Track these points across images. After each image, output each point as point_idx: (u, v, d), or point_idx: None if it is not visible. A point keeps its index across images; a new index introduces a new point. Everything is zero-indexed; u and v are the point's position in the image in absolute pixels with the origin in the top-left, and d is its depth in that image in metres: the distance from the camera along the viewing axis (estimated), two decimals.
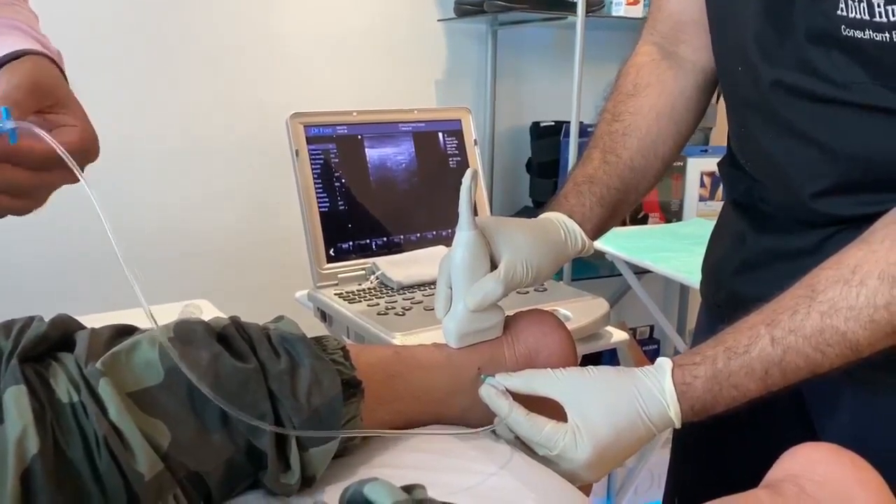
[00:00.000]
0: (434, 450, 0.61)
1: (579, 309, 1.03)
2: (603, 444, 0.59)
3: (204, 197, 1.81)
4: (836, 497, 0.46)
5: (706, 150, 2.11)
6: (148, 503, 0.48)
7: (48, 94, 0.59)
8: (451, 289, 0.67)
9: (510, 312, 0.71)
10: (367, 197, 1.20)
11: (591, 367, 0.63)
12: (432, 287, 1.09)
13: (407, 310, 1.03)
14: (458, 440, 0.63)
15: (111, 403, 0.49)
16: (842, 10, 0.57)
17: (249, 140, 1.81)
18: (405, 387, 0.64)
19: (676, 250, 1.67)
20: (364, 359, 0.62)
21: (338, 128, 1.19)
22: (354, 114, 1.21)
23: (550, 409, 0.61)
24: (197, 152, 1.79)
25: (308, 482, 0.56)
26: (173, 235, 1.75)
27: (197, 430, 0.52)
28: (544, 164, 2.04)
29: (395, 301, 1.06)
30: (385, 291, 1.11)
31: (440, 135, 1.29)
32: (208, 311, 1.09)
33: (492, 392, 0.63)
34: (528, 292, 1.10)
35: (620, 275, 1.82)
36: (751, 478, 0.50)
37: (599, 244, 1.05)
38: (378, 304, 1.05)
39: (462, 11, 1.91)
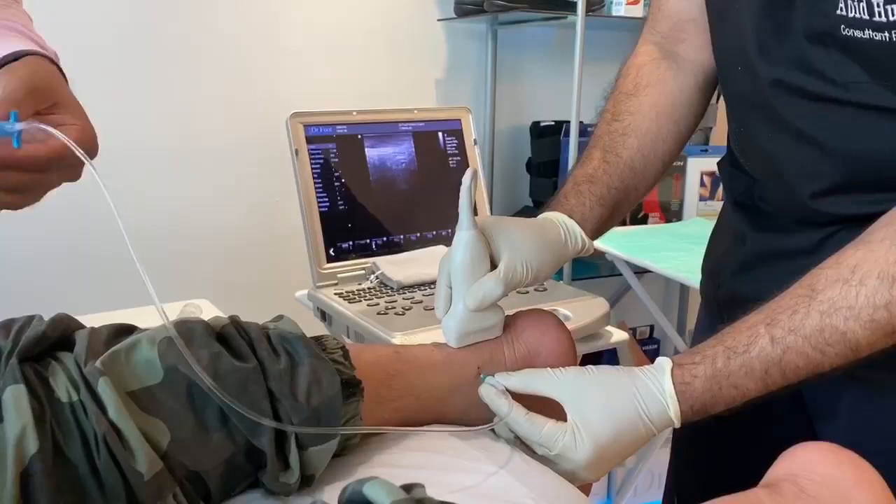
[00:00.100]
0: (433, 449, 0.61)
1: (579, 309, 1.03)
2: (602, 444, 0.59)
3: (204, 196, 1.81)
4: (836, 496, 0.46)
5: (706, 150, 2.10)
6: (148, 502, 0.48)
7: (47, 95, 0.59)
8: (450, 288, 0.67)
9: (510, 312, 0.71)
10: (367, 196, 1.20)
11: (591, 366, 0.63)
12: (432, 287, 1.10)
13: (407, 309, 1.03)
14: (458, 439, 0.63)
15: (110, 403, 0.49)
16: (841, 10, 0.57)
17: (249, 139, 1.81)
18: (405, 386, 0.64)
19: (676, 250, 1.67)
20: (364, 358, 0.62)
21: (338, 127, 1.19)
22: (354, 113, 1.21)
23: (550, 408, 0.61)
24: (197, 152, 1.79)
25: (307, 481, 0.56)
26: (173, 235, 1.75)
27: (196, 430, 0.52)
28: (544, 163, 2.03)
29: (395, 301, 1.06)
30: (385, 291, 1.11)
31: (440, 134, 1.29)
32: (208, 311, 1.09)
33: (491, 392, 0.63)
34: (527, 292, 1.10)
35: (620, 274, 1.82)
36: (750, 477, 0.50)
37: (599, 244, 1.04)
38: (378, 304, 1.05)
39: (462, 11, 1.91)
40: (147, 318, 0.57)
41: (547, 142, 2.02)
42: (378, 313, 1.02)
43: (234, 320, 0.59)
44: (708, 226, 0.89)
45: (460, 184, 0.63)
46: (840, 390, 0.68)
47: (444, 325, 0.68)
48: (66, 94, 0.61)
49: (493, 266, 0.66)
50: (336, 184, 1.18)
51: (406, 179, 1.25)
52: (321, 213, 1.16)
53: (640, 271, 1.77)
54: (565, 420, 0.60)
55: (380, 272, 1.13)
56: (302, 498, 0.55)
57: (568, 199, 0.76)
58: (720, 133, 2.17)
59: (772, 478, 0.49)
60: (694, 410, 0.60)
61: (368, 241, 1.20)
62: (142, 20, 1.69)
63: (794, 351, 0.57)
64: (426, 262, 1.14)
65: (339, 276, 1.15)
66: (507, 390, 0.63)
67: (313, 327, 0.76)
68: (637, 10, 1.87)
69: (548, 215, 0.74)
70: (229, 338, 0.56)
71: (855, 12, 0.56)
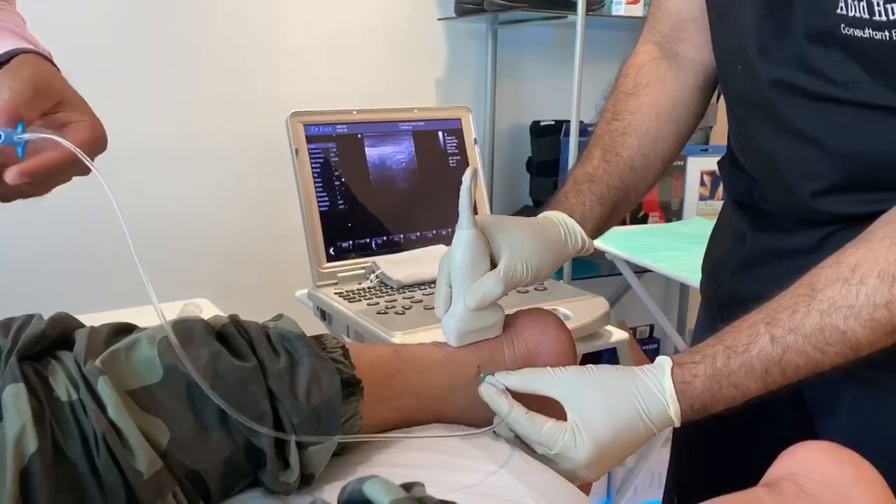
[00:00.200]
0: (433, 448, 0.61)
1: (579, 308, 1.03)
2: (602, 443, 0.59)
3: (204, 196, 1.81)
4: (835, 496, 0.45)
5: (706, 150, 2.10)
6: (147, 502, 0.48)
7: (50, 95, 0.59)
8: (450, 287, 0.67)
9: (510, 311, 0.71)
10: (367, 196, 1.20)
11: (591, 365, 0.63)
12: (432, 286, 1.09)
13: (407, 309, 1.03)
14: (458, 438, 0.63)
15: (110, 402, 0.49)
16: (841, 9, 0.57)
17: (249, 139, 1.81)
18: (405, 385, 0.64)
19: (676, 249, 1.67)
20: (363, 357, 0.62)
21: (338, 127, 1.19)
22: (354, 113, 1.21)
23: (550, 408, 0.61)
24: (197, 151, 1.79)
25: (307, 480, 0.56)
26: (173, 234, 1.75)
27: (196, 429, 0.52)
28: (544, 163, 2.03)
29: (395, 300, 1.06)
30: (385, 290, 1.11)
31: (440, 134, 1.29)
32: (208, 310, 1.09)
33: (491, 391, 0.63)
34: (527, 291, 1.10)
35: (620, 274, 1.82)
36: (750, 477, 0.50)
37: (599, 243, 1.04)
38: (378, 304, 1.05)
39: (462, 10, 1.91)
40: (146, 317, 0.57)
41: (547, 141, 2.02)
42: (378, 313, 1.02)
43: (233, 319, 0.59)
44: (708, 225, 0.89)
45: (460, 183, 0.63)
46: (840, 389, 0.68)
47: (443, 325, 0.68)
48: (68, 90, 0.61)
49: (493, 265, 0.66)
50: (336, 183, 1.18)
51: (406, 179, 1.25)
52: (321, 213, 1.16)
53: (640, 271, 1.77)
54: (565, 419, 0.60)
55: (380, 271, 1.13)
56: (302, 497, 0.55)
57: (568, 198, 0.76)
58: (720, 132, 2.17)
59: (772, 477, 0.49)
60: (694, 410, 0.60)
61: (368, 240, 1.20)
62: (141, 20, 1.69)
63: (795, 350, 0.57)
64: (426, 261, 1.14)
65: (339, 275, 1.15)
66: (507, 389, 0.63)
67: (313, 327, 0.76)
68: (637, 10, 1.87)
69: (548, 214, 0.74)
70: (229, 337, 0.56)
71: (855, 11, 0.56)
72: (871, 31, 0.56)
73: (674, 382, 0.59)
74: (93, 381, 0.49)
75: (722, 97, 0.78)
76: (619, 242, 1.70)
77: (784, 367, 0.58)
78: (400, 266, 1.14)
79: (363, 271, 1.16)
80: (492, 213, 1.40)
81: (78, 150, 0.57)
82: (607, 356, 1.95)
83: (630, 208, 0.86)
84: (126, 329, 0.56)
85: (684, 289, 2.40)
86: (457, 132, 1.30)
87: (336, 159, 1.18)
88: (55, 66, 0.64)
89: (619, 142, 0.79)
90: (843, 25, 0.58)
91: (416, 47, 2.01)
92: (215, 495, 0.54)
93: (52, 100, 0.59)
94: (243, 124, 1.81)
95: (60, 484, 0.46)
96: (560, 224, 0.72)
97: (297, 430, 0.54)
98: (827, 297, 0.56)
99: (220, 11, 1.76)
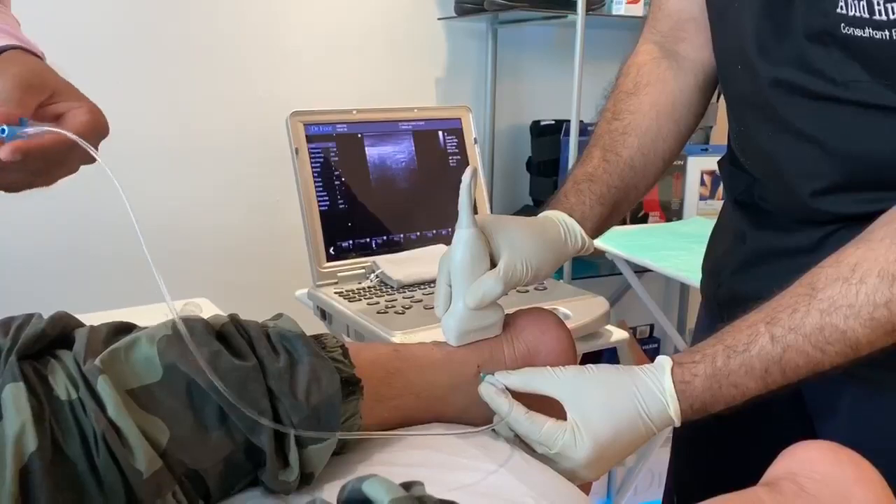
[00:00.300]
0: (433, 447, 0.61)
1: (579, 307, 1.03)
2: (602, 443, 0.59)
3: (204, 195, 1.81)
4: (835, 495, 0.45)
5: (706, 149, 2.10)
6: (147, 501, 0.48)
7: (43, 87, 0.59)
8: (450, 287, 0.67)
9: (510, 311, 0.71)
10: (367, 195, 1.20)
11: (591, 365, 0.63)
12: (432, 286, 1.09)
13: (407, 308, 1.03)
14: (458, 438, 0.63)
15: (110, 401, 0.49)
16: (841, 9, 0.57)
17: (249, 138, 1.81)
18: (405, 384, 0.64)
19: (676, 249, 1.67)
20: (363, 357, 0.62)
21: (338, 126, 1.19)
22: (354, 112, 1.21)
23: (550, 407, 0.61)
24: (197, 151, 1.79)
25: (307, 479, 0.56)
26: (173, 233, 1.75)
27: (196, 428, 0.52)
28: (544, 162, 2.03)
29: (395, 300, 1.06)
30: (385, 290, 1.11)
31: (440, 133, 1.29)
32: (208, 310, 1.09)
33: (491, 390, 0.63)
34: (528, 291, 1.10)
35: (620, 274, 1.82)
36: (750, 476, 0.50)
37: (599, 243, 1.04)
38: (378, 303, 1.05)
39: (462, 10, 1.91)
40: (146, 316, 0.57)
41: (547, 141, 2.02)
42: (378, 312, 1.02)
43: (233, 319, 0.59)
44: (708, 225, 0.89)
45: (460, 182, 0.63)
46: (840, 389, 0.68)
47: (443, 324, 0.68)
48: (60, 81, 0.62)
49: (493, 265, 0.66)
50: (336, 183, 1.18)
51: (406, 178, 1.25)
52: (321, 212, 1.16)
53: (641, 270, 1.77)
54: (565, 419, 0.60)
55: (380, 271, 1.13)
56: (301, 496, 0.55)
57: (568, 197, 0.76)
58: (720, 132, 2.17)
59: (771, 476, 0.49)
60: (694, 409, 0.60)
61: (368, 239, 1.20)
62: (141, 20, 1.69)
63: (795, 349, 0.57)
64: (426, 260, 1.14)
65: (339, 274, 1.15)
66: (507, 389, 0.63)
67: (313, 326, 0.76)
68: (637, 9, 1.87)
69: (548, 214, 0.74)
70: (229, 336, 0.56)
71: (855, 11, 0.56)
72: (870, 31, 0.56)
73: (674, 382, 0.59)
74: (92, 381, 0.49)
75: (722, 97, 0.78)
76: (619, 242, 1.70)
77: (784, 367, 0.58)
78: (400, 266, 1.14)
79: (363, 271, 1.16)
80: (492, 212, 1.40)
81: (81, 139, 0.57)
82: (607, 356, 1.95)
83: (630, 208, 0.86)
84: (125, 328, 0.56)
85: (684, 288, 2.40)
86: (457, 132, 1.30)
87: (336, 159, 1.18)
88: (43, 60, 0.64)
89: (619, 141, 0.79)
90: (842, 25, 0.58)
91: (416, 47, 2.00)
92: (215, 494, 0.54)
93: (45, 92, 0.59)
94: (243, 124, 1.81)
95: (60, 483, 0.46)
96: (560, 223, 0.72)
97: (297, 430, 0.54)
98: (827, 296, 0.56)
99: (220, 11, 1.76)
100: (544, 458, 0.61)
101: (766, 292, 0.61)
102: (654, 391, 0.59)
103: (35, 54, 0.63)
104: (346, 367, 0.58)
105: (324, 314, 1.12)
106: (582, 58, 1.72)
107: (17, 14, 0.74)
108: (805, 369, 0.58)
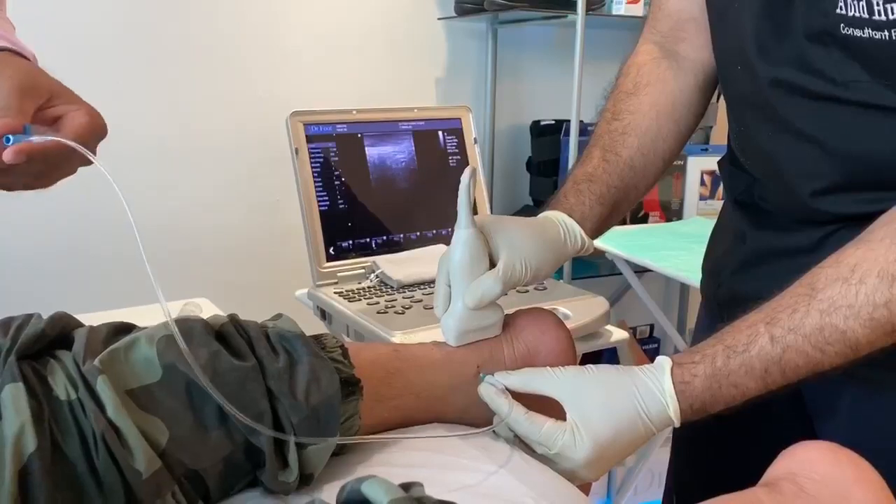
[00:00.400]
0: (432, 448, 0.61)
1: (579, 308, 1.03)
2: (602, 443, 0.59)
3: (204, 195, 1.81)
4: (835, 496, 0.45)
5: (706, 149, 2.10)
6: (146, 501, 0.48)
7: (39, 91, 0.59)
8: (450, 287, 0.67)
9: (509, 311, 0.71)
10: (367, 195, 1.20)
11: (591, 365, 0.63)
12: (432, 286, 1.09)
13: (406, 308, 1.03)
14: (458, 438, 0.63)
15: (109, 401, 0.49)
16: (841, 9, 0.57)
17: (249, 138, 1.81)
18: (404, 384, 0.64)
19: (676, 249, 1.67)
20: (363, 357, 0.62)
21: (338, 126, 1.19)
22: (354, 112, 1.21)
23: (550, 407, 0.61)
24: (197, 151, 1.79)
25: (306, 480, 0.56)
26: (173, 234, 1.75)
27: (195, 428, 0.52)
28: (544, 162, 2.03)
29: (395, 300, 1.06)
30: (385, 290, 1.11)
31: (440, 133, 1.29)
32: (208, 310, 1.09)
33: (491, 391, 0.63)
34: (527, 291, 1.10)
35: (620, 274, 1.82)
36: (750, 477, 0.50)
37: (599, 243, 1.04)
38: (378, 303, 1.05)
39: (462, 10, 1.91)
40: (145, 316, 0.57)
41: (547, 141, 2.02)
42: (378, 312, 1.02)
43: (232, 319, 0.59)
44: (708, 225, 0.89)
45: (460, 182, 0.63)
46: (840, 389, 0.68)
47: (443, 324, 0.68)
48: (54, 84, 0.62)
49: (493, 265, 0.66)
50: (336, 183, 1.18)
51: (406, 178, 1.25)
52: (321, 212, 1.16)
53: (640, 270, 1.77)
54: (565, 419, 0.60)
55: (380, 271, 1.13)
56: (301, 497, 0.55)
57: (567, 198, 0.76)
58: (720, 132, 2.17)
59: (771, 477, 0.49)
60: (694, 409, 0.60)
61: (368, 239, 1.20)
62: (142, 20, 1.69)
63: (794, 350, 0.57)
64: (426, 260, 1.14)
65: (338, 274, 1.15)
66: (507, 389, 0.63)
67: (313, 326, 0.76)
68: (637, 9, 1.87)
69: (547, 214, 0.74)
70: (228, 336, 0.56)
71: (854, 11, 0.56)
72: (870, 31, 0.56)
73: (673, 382, 0.59)
74: (92, 381, 0.49)
75: (722, 97, 0.78)
76: (619, 242, 1.70)
77: (784, 367, 0.58)
78: (400, 266, 1.14)
79: (363, 271, 1.16)
80: (492, 212, 1.40)
81: (83, 148, 0.57)
82: (607, 356, 1.95)
83: (630, 208, 0.86)
84: (125, 328, 0.56)
85: (684, 288, 2.40)
86: (457, 132, 1.30)
87: (336, 159, 1.18)
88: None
89: (619, 141, 0.79)
90: (842, 25, 0.58)
91: (416, 47, 2.00)
92: (214, 495, 0.54)
93: (43, 96, 0.59)
94: (243, 124, 1.81)
95: (59, 483, 0.46)
96: (559, 224, 0.72)
97: (297, 430, 0.54)
98: (827, 296, 0.56)
99: (220, 11, 1.76)
100: (544, 459, 0.61)
101: (766, 292, 0.61)
102: (654, 391, 0.59)
103: (25, 57, 0.63)
104: (345, 368, 0.58)
105: (324, 314, 1.12)
106: (582, 58, 1.72)
107: (17, 14, 0.74)
108: (805, 369, 0.58)
